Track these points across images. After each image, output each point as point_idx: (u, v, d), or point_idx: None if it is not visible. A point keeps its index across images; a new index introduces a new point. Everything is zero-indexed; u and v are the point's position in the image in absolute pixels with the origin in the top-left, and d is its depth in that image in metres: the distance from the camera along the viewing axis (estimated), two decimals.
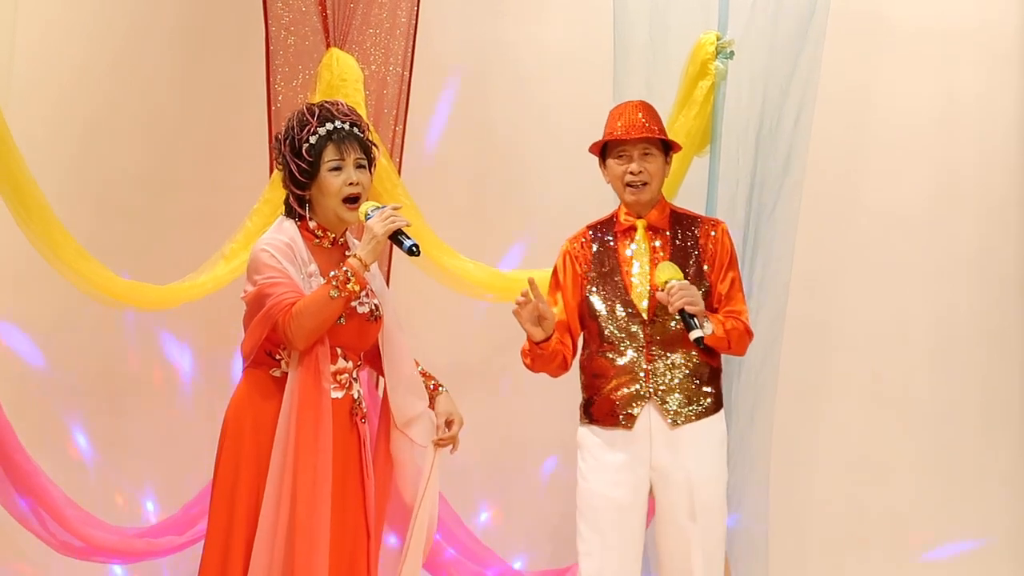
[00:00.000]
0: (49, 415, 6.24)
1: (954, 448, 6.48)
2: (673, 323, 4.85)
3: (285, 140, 4.55)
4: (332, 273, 4.43)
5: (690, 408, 4.86)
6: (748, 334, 4.94)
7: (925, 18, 6.46)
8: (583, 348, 5.01)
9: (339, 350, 4.52)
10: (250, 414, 4.50)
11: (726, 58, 5.51)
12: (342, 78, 5.60)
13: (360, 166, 4.55)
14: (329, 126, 4.52)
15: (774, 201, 5.55)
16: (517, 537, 6.33)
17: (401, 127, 5.77)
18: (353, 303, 4.49)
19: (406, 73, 5.77)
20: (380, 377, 4.91)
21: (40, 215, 5.44)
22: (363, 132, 4.59)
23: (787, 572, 5.95)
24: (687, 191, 5.54)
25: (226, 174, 6.32)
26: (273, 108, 5.68)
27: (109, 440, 6.33)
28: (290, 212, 4.60)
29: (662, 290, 4.77)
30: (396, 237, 4.48)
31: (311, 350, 4.44)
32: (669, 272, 4.81)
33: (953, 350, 6.51)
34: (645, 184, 4.91)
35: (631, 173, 4.91)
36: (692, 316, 4.74)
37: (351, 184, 4.53)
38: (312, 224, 4.57)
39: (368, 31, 5.73)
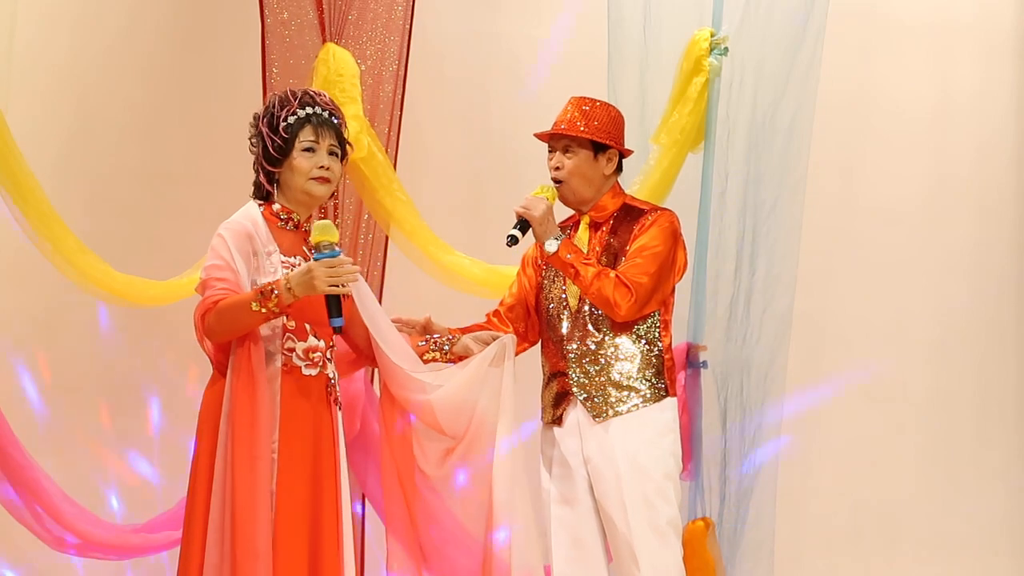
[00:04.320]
0: (41, 410, 6.26)
1: (952, 444, 6.49)
2: (590, 313, 4.88)
3: (264, 117, 4.63)
4: (265, 285, 4.40)
5: (618, 403, 4.87)
6: (620, 285, 4.79)
7: (921, 13, 6.48)
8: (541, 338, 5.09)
9: (308, 326, 4.54)
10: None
11: (720, 54, 5.52)
12: (338, 73, 5.60)
13: (333, 153, 4.62)
14: (309, 110, 4.59)
15: (774, 199, 5.55)
16: None
17: (397, 123, 5.78)
18: None
19: (402, 69, 5.77)
20: (374, 370, 4.93)
21: (38, 209, 5.44)
22: (340, 124, 4.66)
23: (787, 570, 5.95)
24: (682, 188, 5.55)
25: (222, 169, 6.31)
26: None
27: (103, 436, 6.35)
28: (258, 192, 4.65)
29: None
30: (330, 300, 4.41)
31: (251, 334, 4.45)
32: (537, 191, 4.93)
33: (950, 346, 6.52)
34: (562, 181, 4.97)
35: (552, 168, 5.01)
36: (524, 222, 4.82)
37: (322, 167, 4.59)
38: (276, 207, 4.61)
39: (364, 26, 5.74)
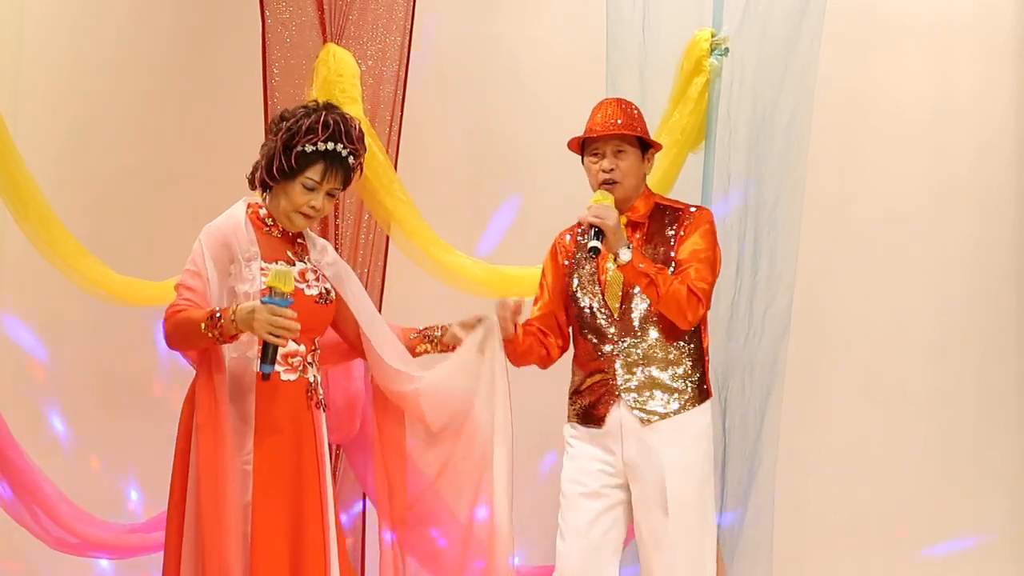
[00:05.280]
0: (40, 410, 6.26)
1: (952, 444, 6.48)
2: (639, 317, 4.86)
3: (286, 129, 4.52)
4: (214, 310, 4.37)
5: (663, 406, 4.85)
6: (691, 295, 4.79)
7: (921, 12, 6.48)
8: (572, 339, 5.04)
9: None
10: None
11: (720, 55, 5.52)
12: (339, 73, 5.60)
13: (331, 194, 4.58)
14: (331, 146, 4.51)
15: (774, 198, 5.55)
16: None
17: (397, 123, 5.78)
18: (300, 285, 4.50)
19: (402, 69, 5.77)
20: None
21: (38, 212, 5.47)
22: (357, 163, 4.58)
23: (786, 569, 5.95)
24: (682, 188, 5.54)
25: (222, 169, 6.29)
26: (269, 103, 5.68)
27: (103, 436, 6.35)
28: (252, 182, 4.63)
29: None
30: (266, 345, 4.35)
31: (212, 352, 4.45)
32: (597, 197, 4.84)
33: (950, 346, 6.52)
34: (617, 182, 4.92)
35: (603, 171, 4.93)
36: (601, 233, 4.73)
37: (312, 207, 4.54)
38: (263, 211, 4.59)
39: (365, 26, 5.74)
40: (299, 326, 4.36)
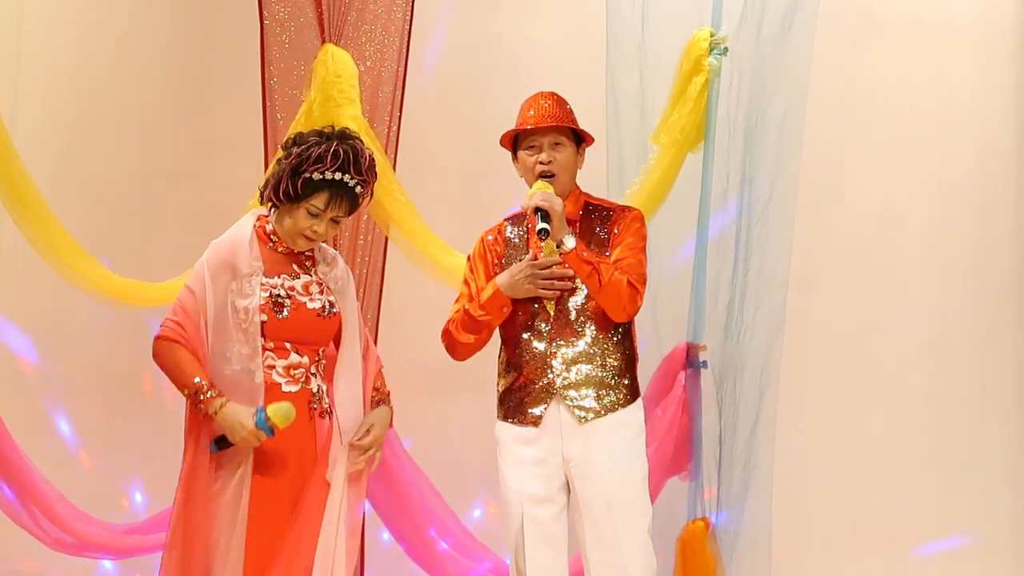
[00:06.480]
0: (40, 410, 6.26)
1: (951, 444, 6.48)
2: (575, 315, 4.86)
3: (295, 155, 4.52)
4: (203, 387, 4.42)
5: (599, 403, 4.85)
6: (631, 286, 4.81)
7: (920, 12, 6.47)
8: (501, 339, 5.02)
9: (288, 345, 4.53)
10: None
11: (720, 54, 5.52)
12: (337, 74, 5.61)
13: (335, 220, 4.59)
14: (339, 176, 4.51)
15: (767, 197, 5.55)
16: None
17: (396, 123, 5.78)
18: (303, 299, 4.54)
19: (401, 69, 5.78)
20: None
21: (36, 212, 5.48)
22: (365, 192, 4.59)
23: (785, 569, 5.95)
24: (682, 188, 5.54)
25: (221, 170, 6.33)
26: (268, 104, 5.69)
27: (101, 435, 6.36)
28: (261, 196, 4.65)
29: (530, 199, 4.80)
30: (225, 438, 4.43)
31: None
32: (539, 186, 4.83)
33: (949, 346, 6.51)
34: (555, 175, 4.91)
35: (541, 163, 4.92)
36: (548, 218, 4.71)
37: (315, 231, 4.56)
38: (270, 227, 4.61)
39: (363, 27, 5.75)
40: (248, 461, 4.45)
